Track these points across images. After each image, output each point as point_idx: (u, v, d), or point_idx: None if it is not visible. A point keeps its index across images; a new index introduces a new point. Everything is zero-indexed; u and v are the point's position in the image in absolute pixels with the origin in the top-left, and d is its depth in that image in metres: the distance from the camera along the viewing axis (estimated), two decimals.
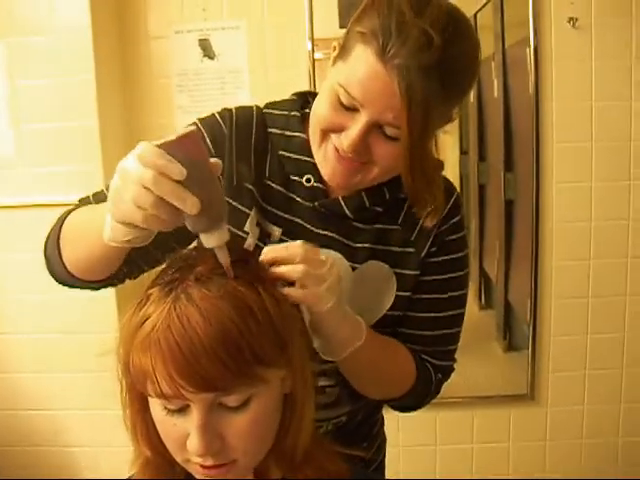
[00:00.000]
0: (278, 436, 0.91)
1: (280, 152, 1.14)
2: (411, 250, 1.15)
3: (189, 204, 0.79)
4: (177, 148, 0.79)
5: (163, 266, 0.89)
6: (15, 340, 2.41)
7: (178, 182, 0.78)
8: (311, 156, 1.11)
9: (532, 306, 2.50)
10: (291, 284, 0.91)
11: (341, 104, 0.99)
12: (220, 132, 1.13)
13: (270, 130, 1.15)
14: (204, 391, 0.78)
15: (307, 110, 1.14)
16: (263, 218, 1.11)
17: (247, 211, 1.11)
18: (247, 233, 1.09)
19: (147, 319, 0.80)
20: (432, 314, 1.18)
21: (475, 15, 2.62)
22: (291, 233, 1.12)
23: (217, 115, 1.15)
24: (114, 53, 2.36)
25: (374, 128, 0.99)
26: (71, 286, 1.13)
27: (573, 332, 2.51)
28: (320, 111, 1.04)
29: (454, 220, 1.17)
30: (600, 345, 2.52)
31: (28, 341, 2.40)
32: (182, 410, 0.82)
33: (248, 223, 1.10)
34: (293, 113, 1.15)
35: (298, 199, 1.14)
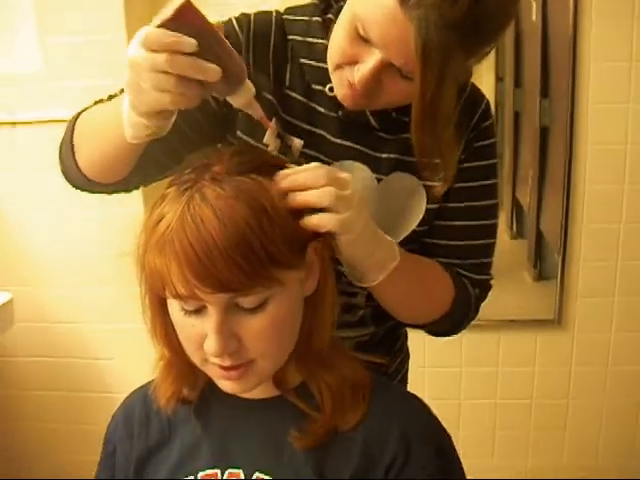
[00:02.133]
0: (299, 340, 0.92)
1: (301, 60, 1.10)
2: (433, 183, 1.09)
3: (210, 73, 0.79)
4: (178, 22, 0.78)
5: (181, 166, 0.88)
6: (39, 253, 2.44)
7: (191, 55, 0.77)
8: None
9: (563, 231, 2.47)
10: (316, 211, 0.86)
11: (358, 34, 0.93)
12: (237, 41, 1.08)
13: (290, 37, 1.11)
14: (219, 292, 0.79)
15: (329, 15, 1.09)
16: (283, 130, 1.04)
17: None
18: (267, 146, 1.02)
19: (162, 219, 0.81)
20: (467, 222, 1.15)
21: None
22: (313, 145, 1.08)
23: (234, 21, 1.11)
24: None
25: (388, 65, 0.94)
26: (85, 190, 1.12)
27: (603, 258, 2.48)
28: (337, 43, 0.98)
29: (484, 124, 1.13)
30: (630, 272, 2.49)
31: (53, 254, 2.43)
32: (199, 311, 0.83)
33: (267, 134, 1.02)
34: (315, 18, 1.10)
35: (320, 109, 1.10)
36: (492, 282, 1.21)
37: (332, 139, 1.10)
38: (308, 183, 0.86)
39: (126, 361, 2.47)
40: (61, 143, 1.10)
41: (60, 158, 1.11)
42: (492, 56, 2.70)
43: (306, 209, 0.86)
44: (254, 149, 0.91)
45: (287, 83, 1.10)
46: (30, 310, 2.47)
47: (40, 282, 2.47)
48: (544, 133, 2.58)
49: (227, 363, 0.85)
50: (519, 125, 2.74)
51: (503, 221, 2.89)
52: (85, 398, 2.57)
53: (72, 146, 1.06)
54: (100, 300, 2.44)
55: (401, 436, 0.91)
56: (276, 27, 1.11)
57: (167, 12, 0.78)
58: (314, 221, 0.86)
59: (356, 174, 1.06)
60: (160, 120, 0.87)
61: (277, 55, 1.10)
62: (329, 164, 1.06)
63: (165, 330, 0.92)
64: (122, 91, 1.06)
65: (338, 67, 1.00)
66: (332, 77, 1.03)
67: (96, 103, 1.11)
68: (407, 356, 1.41)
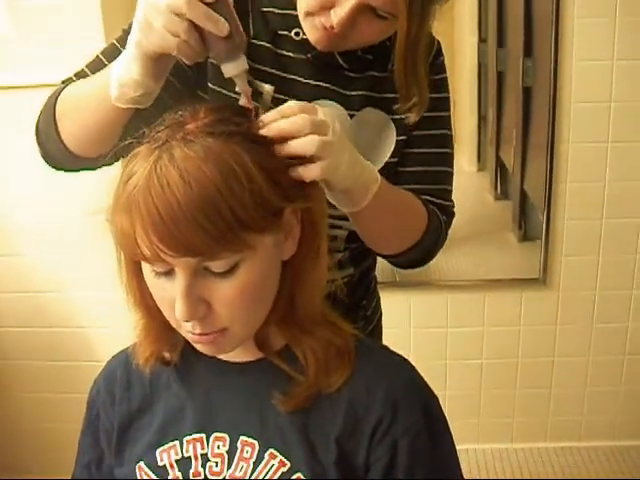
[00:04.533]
0: (278, 303, 0.90)
1: (263, 9, 1.13)
2: (406, 114, 1.16)
3: (220, 26, 0.85)
4: None
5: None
6: (19, 224, 2.39)
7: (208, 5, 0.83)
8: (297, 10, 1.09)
9: (547, 191, 2.47)
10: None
11: None
12: None
13: None
14: (184, 256, 0.77)
15: None
16: (252, 77, 1.08)
17: None
18: (239, 94, 1.03)
19: (130, 178, 0.78)
20: (431, 149, 1.23)
21: None
22: (285, 89, 1.12)
23: None
24: None
25: (364, 6, 0.98)
26: (68, 169, 1.13)
27: (588, 217, 2.49)
28: None
29: (439, 60, 1.22)
30: (614, 230, 2.50)
31: (33, 224, 2.39)
32: (169, 274, 0.81)
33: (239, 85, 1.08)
34: None
35: (288, 54, 1.13)
36: (455, 210, 1.28)
37: (303, 81, 1.14)
38: (294, 132, 0.85)
39: (114, 329, 2.45)
40: (38, 122, 1.10)
41: (38, 141, 1.11)
42: (475, 17, 2.70)
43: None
44: (229, 108, 0.88)
45: (252, 33, 1.12)
46: (11, 279, 2.45)
47: (20, 251, 2.43)
48: (527, 93, 2.57)
49: (197, 330, 0.83)
50: (502, 86, 2.73)
51: (488, 182, 2.89)
52: (71, 367, 2.55)
53: (55, 124, 1.06)
54: (85, 267, 2.41)
55: (387, 397, 0.90)
56: None
57: None
58: (300, 172, 0.86)
59: (330, 111, 1.09)
60: (152, 76, 0.91)
61: (238, 7, 1.09)
62: None
63: (141, 292, 0.90)
64: (87, 71, 1.12)
65: (309, 14, 1.04)
66: (303, 22, 1.07)
67: (64, 82, 1.12)
68: (379, 300, 1.48)
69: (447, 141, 1.26)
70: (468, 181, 2.95)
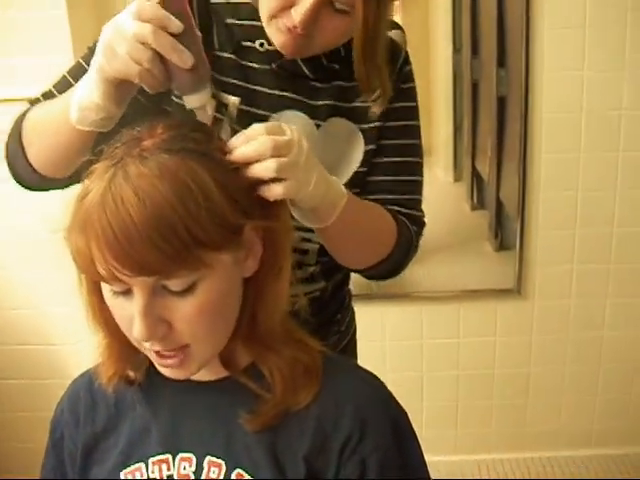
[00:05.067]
0: (241, 320, 0.89)
1: (227, 21, 1.14)
2: (370, 103, 1.17)
3: (185, 58, 0.85)
4: (169, 4, 0.84)
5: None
6: None
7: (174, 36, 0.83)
8: (261, 20, 1.09)
9: (521, 200, 2.48)
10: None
11: None
12: None
13: (213, 1, 1.15)
14: (140, 275, 0.76)
15: None
16: (217, 90, 1.10)
17: None
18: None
19: (86, 195, 0.77)
20: (401, 158, 1.23)
21: None
22: (250, 100, 1.13)
23: None
24: None
25: (322, 2, 0.99)
26: (39, 189, 1.13)
27: (562, 226, 2.49)
28: None
29: (406, 69, 1.22)
30: (588, 239, 2.51)
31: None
32: (127, 293, 0.80)
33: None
34: None
35: (253, 65, 1.14)
36: (425, 220, 1.28)
37: (268, 91, 1.14)
38: (255, 157, 0.85)
39: (84, 345, 2.42)
40: (7, 145, 1.11)
41: (8, 161, 1.11)
42: (449, 26, 2.71)
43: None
44: (188, 124, 0.87)
45: (216, 45, 1.13)
46: None
47: None
48: (501, 102, 2.58)
49: (157, 348, 0.82)
50: (477, 95, 2.74)
51: (464, 192, 2.90)
52: (43, 385, 2.52)
53: (22, 145, 1.07)
54: (53, 283, 2.38)
55: (355, 413, 0.89)
56: None
57: None
58: (264, 191, 0.86)
59: (297, 122, 1.13)
60: (114, 100, 0.91)
61: (202, 20, 1.12)
62: (268, 117, 1.13)
63: (101, 310, 0.88)
64: (54, 91, 1.12)
65: (272, 17, 1.04)
66: (267, 28, 1.06)
67: (32, 102, 1.13)
68: (354, 314, 1.47)
69: (416, 150, 1.26)
70: (444, 191, 2.95)
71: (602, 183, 2.45)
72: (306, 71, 1.14)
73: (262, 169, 0.85)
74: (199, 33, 0.89)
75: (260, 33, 1.10)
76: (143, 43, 0.83)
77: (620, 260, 2.52)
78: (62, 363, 2.50)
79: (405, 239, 1.18)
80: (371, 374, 0.98)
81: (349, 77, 1.14)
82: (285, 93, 1.14)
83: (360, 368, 1.00)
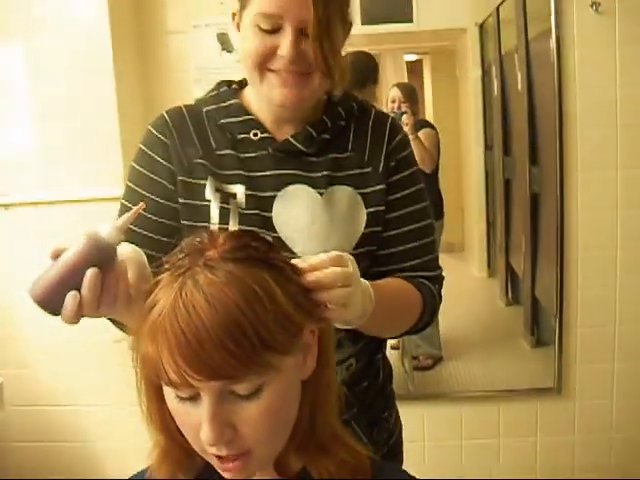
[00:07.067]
0: (298, 424, 0.89)
1: (220, 122, 1.24)
2: (368, 170, 1.25)
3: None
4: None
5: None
6: (33, 337, 2.41)
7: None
8: (251, 114, 1.23)
9: (558, 298, 2.47)
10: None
11: (265, 31, 1.11)
12: (164, 144, 1.23)
13: (205, 109, 1.26)
14: (211, 379, 0.77)
15: (233, 86, 1.29)
16: (221, 183, 1.21)
17: (204, 183, 1.21)
18: (209, 201, 1.20)
19: (155, 305, 0.80)
20: (413, 226, 1.29)
21: (497, 8, 2.61)
22: (254, 186, 1.21)
23: (154, 131, 1.25)
24: (133, 50, 2.38)
25: (302, 36, 1.11)
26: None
27: (600, 324, 2.47)
28: (249, 47, 1.14)
29: (399, 137, 1.29)
30: (628, 336, 2.48)
31: (48, 338, 2.39)
32: (193, 398, 0.81)
33: (207, 191, 1.21)
34: (222, 89, 1.28)
35: (251, 154, 1.23)
36: (444, 274, 1.34)
37: (269, 174, 1.23)
38: (327, 285, 0.90)
39: (122, 444, 2.42)
40: None
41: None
42: (480, 125, 2.76)
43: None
44: (247, 234, 0.90)
45: (214, 146, 1.24)
46: (22, 394, 2.43)
47: (34, 365, 2.43)
48: (534, 200, 2.61)
49: (223, 452, 0.82)
50: (510, 192, 2.78)
51: (498, 288, 2.89)
52: None
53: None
54: (96, 383, 2.41)
55: None
56: (187, 109, 1.27)
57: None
58: (326, 315, 0.91)
59: (301, 194, 1.22)
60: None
61: (197, 127, 1.25)
62: (273, 197, 1.22)
63: (161, 417, 0.89)
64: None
65: (262, 69, 1.15)
66: (262, 86, 1.17)
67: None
68: (398, 413, 1.45)
69: (426, 213, 1.31)
70: (479, 287, 2.96)
71: None
72: (300, 147, 1.23)
73: (335, 296, 0.90)
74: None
75: (252, 124, 1.23)
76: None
77: None
78: (96, 461, 2.50)
79: (430, 305, 1.25)
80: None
81: (343, 149, 1.25)
82: (284, 171, 1.23)
83: (406, 474, 0.99)
